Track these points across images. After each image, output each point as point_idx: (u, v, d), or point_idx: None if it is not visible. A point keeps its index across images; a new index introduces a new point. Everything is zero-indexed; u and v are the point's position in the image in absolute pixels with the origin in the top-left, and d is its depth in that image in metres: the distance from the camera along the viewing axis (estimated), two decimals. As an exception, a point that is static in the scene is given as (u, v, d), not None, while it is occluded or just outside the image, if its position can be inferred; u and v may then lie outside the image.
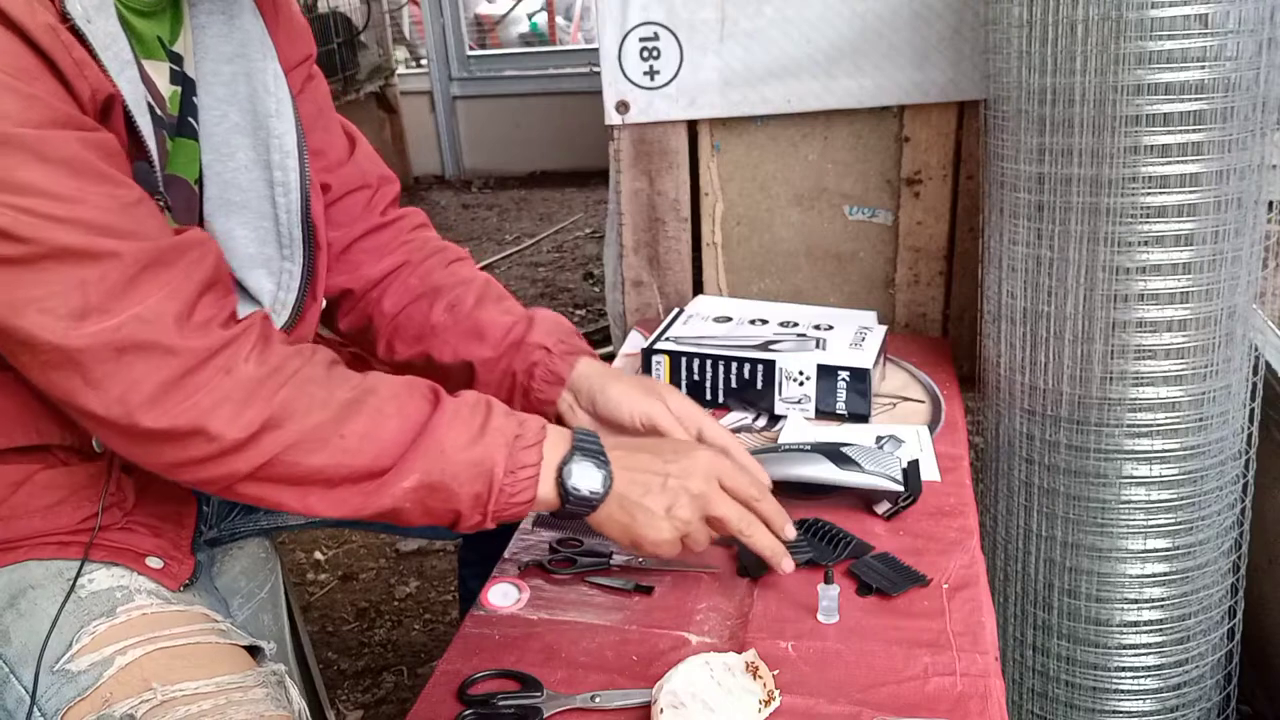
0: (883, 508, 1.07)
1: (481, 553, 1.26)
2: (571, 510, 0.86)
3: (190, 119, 0.90)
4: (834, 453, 1.07)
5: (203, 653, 0.80)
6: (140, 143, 0.78)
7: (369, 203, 1.10)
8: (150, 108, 0.81)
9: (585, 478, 0.85)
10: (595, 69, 1.78)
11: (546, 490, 0.84)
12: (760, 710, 0.80)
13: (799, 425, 1.27)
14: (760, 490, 0.92)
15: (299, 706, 0.81)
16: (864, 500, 1.08)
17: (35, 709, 0.75)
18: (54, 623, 0.78)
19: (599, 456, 0.86)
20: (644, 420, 1.03)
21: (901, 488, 1.06)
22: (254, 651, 0.85)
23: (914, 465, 1.10)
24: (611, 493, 0.86)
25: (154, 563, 0.86)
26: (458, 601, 1.46)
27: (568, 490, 0.84)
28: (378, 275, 1.10)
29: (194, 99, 0.90)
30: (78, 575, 0.81)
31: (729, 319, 1.45)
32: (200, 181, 0.92)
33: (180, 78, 0.88)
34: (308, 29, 1.04)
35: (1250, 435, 1.27)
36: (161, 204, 0.80)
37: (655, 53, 1.54)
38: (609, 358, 1.48)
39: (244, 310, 0.97)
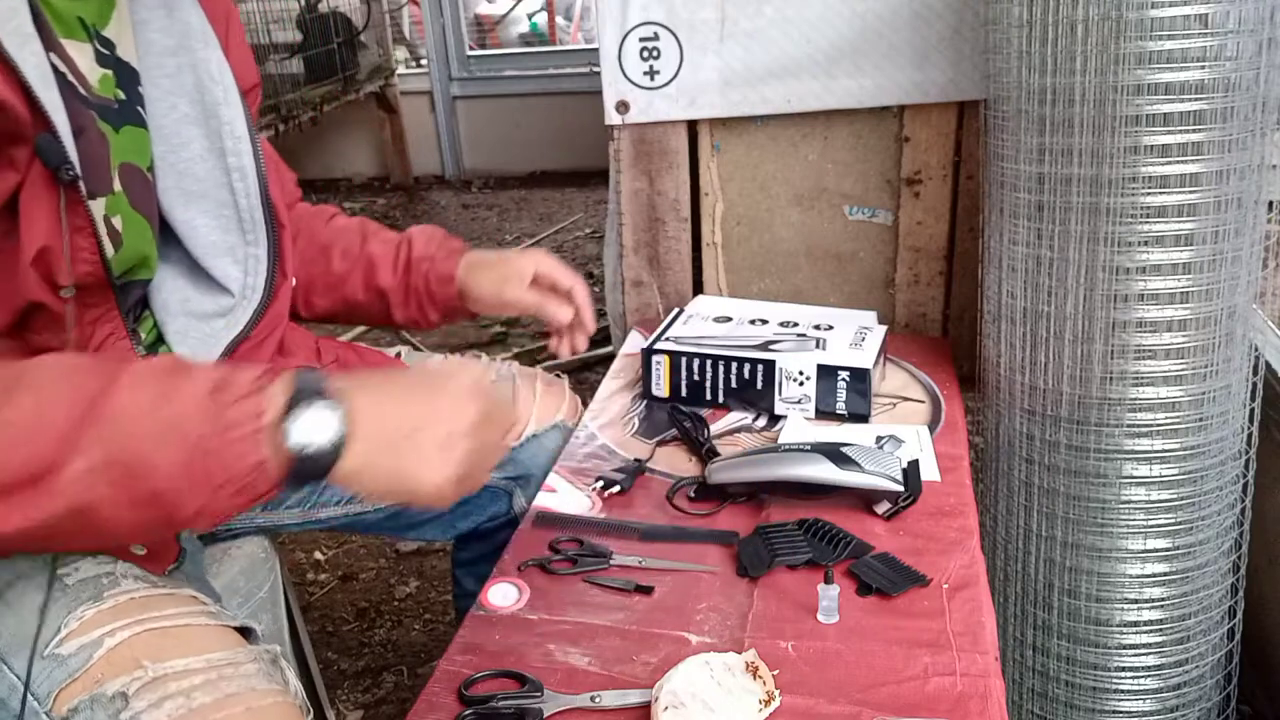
0: (883, 508, 1.07)
1: (476, 551, 1.26)
2: (306, 469, 0.69)
3: (139, 108, 0.91)
4: (834, 453, 1.07)
5: (192, 633, 0.80)
6: (44, 117, 0.76)
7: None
8: (72, 85, 0.81)
9: (311, 428, 0.68)
10: (595, 69, 1.78)
11: (276, 449, 0.68)
12: (760, 710, 0.80)
13: (799, 425, 1.27)
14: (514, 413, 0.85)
15: (295, 687, 0.80)
16: (864, 500, 1.08)
17: (29, 694, 0.75)
18: (43, 612, 0.78)
19: (326, 398, 0.70)
20: (498, 301, 1.18)
21: (901, 488, 1.06)
22: (246, 634, 0.85)
23: (914, 465, 1.10)
24: (358, 435, 0.70)
25: (137, 549, 0.85)
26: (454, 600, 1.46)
27: (293, 448, 0.68)
28: None
29: (139, 89, 0.91)
30: (54, 564, 0.81)
31: (729, 319, 1.45)
32: (153, 172, 0.93)
33: (110, 61, 0.88)
34: (253, 60, 1.06)
35: (1250, 435, 1.27)
36: (71, 175, 0.77)
37: (655, 53, 1.53)
38: (609, 358, 1.48)
39: (215, 302, 0.98)
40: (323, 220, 1.22)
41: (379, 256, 1.19)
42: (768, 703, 0.80)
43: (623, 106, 1.57)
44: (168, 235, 0.97)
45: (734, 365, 1.31)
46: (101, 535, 0.69)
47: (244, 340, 0.99)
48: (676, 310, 1.50)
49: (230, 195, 0.96)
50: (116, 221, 0.86)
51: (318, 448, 0.69)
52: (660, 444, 1.26)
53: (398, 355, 1.26)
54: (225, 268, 0.98)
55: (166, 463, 0.66)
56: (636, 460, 1.20)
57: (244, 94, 0.99)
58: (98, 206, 0.83)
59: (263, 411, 0.68)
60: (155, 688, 0.73)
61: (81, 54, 0.85)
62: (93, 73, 0.86)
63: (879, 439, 1.21)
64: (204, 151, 0.95)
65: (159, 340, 0.98)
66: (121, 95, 0.89)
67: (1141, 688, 1.27)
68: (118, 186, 0.86)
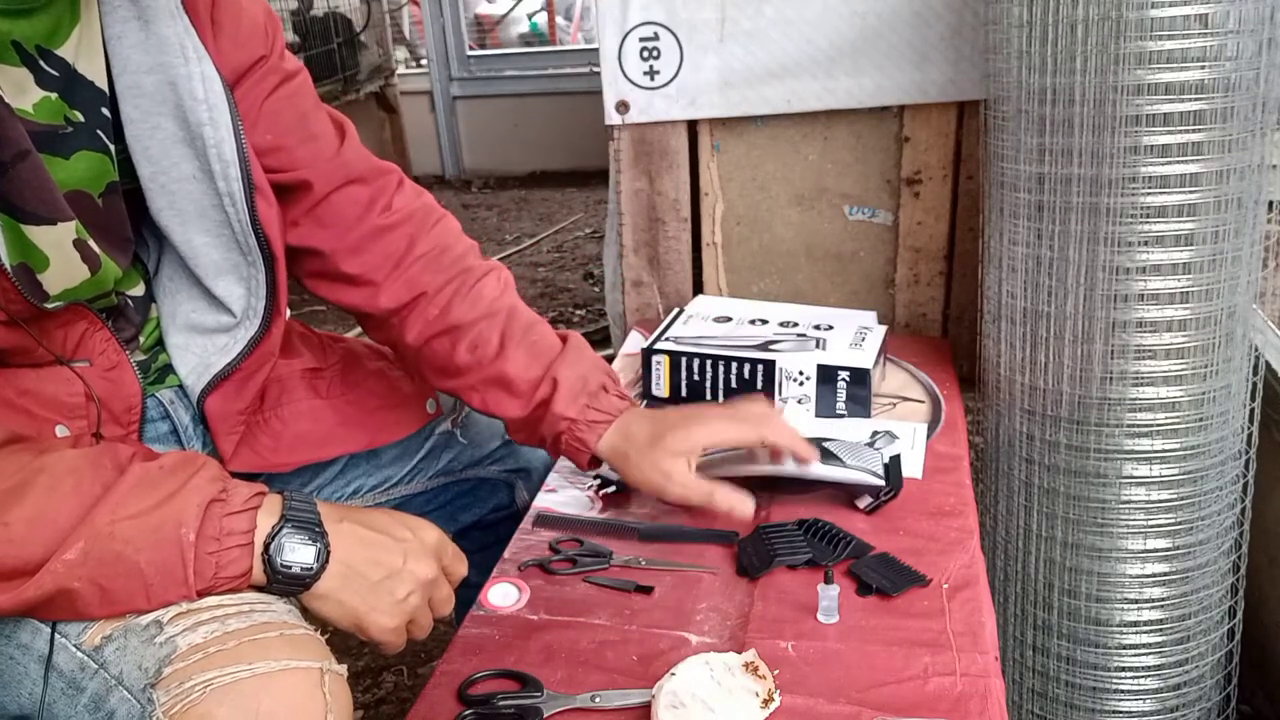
0: (864, 502, 1.08)
1: (478, 541, 1.26)
2: (282, 587, 0.77)
3: (99, 131, 0.86)
4: (816, 447, 1.07)
5: None
6: None
7: (369, 202, 1.04)
8: None
9: (294, 552, 0.77)
10: (595, 69, 1.78)
11: (262, 563, 0.76)
12: (760, 710, 0.80)
13: (796, 415, 1.27)
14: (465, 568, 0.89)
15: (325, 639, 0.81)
16: (848, 495, 1.08)
17: (56, 634, 0.75)
18: None
19: (313, 529, 0.78)
20: (660, 495, 1.04)
21: (883, 482, 1.06)
22: None
23: (895, 460, 1.09)
24: (331, 571, 0.79)
25: None
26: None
27: (275, 566, 0.76)
28: (394, 305, 1.06)
29: (103, 110, 0.87)
30: None
31: (729, 319, 1.45)
32: (140, 191, 0.91)
33: (60, 83, 0.83)
34: (262, 28, 0.97)
35: (1250, 435, 1.27)
36: None
37: (655, 53, 1.53)
38: (609, 359, 1.48)
39: (218, 319, 0.96)
40: (462, 290, 1.07)
41: (513, 378, 1.05)
42: (768, 703, 0.80)
43: (623, 106, 1.57)
44: (171, 250, 0.96)
45: (734, 365, 1.31)
46: (79, 615, 0.74)
47: (235, 371, 0.96)
48: (676, 310, 1.50)
49: (225, 216, 0.92)
50: (93, 245, 0.84)
51: (297, 571, 0.77)
52: (660, 444, 1.25)
53: None
54: (229, 286, 0.95)
55: (151, 562, 0.72)
56: (636, 460, 1.20)
57: (233, 90, 0.92)
58: (64, 231, 0.81)
59: (255, 527, 0.76)
60: (190, 615, 0.73)
61: (7, 78, 0.80)
62: (25, 97, 0.81)
63: (874, 433, 1.21)
64: (195, 172, 0.91)
65: (158, 345, 0.98)
66: (78, 117, 0.84)
67: (1141, 688, 1.27)
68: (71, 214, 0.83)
